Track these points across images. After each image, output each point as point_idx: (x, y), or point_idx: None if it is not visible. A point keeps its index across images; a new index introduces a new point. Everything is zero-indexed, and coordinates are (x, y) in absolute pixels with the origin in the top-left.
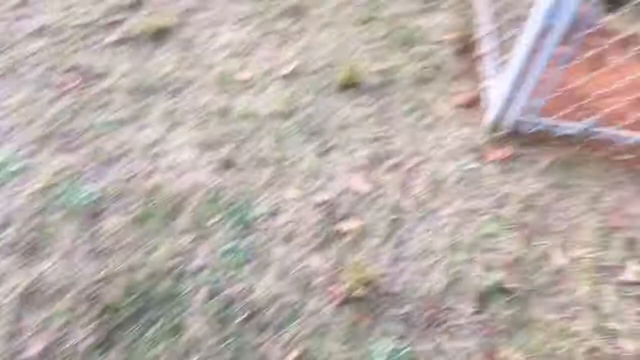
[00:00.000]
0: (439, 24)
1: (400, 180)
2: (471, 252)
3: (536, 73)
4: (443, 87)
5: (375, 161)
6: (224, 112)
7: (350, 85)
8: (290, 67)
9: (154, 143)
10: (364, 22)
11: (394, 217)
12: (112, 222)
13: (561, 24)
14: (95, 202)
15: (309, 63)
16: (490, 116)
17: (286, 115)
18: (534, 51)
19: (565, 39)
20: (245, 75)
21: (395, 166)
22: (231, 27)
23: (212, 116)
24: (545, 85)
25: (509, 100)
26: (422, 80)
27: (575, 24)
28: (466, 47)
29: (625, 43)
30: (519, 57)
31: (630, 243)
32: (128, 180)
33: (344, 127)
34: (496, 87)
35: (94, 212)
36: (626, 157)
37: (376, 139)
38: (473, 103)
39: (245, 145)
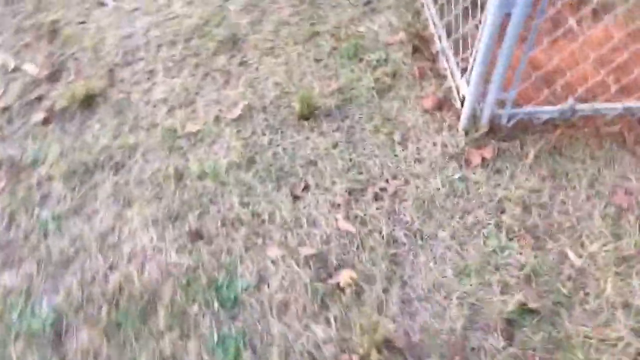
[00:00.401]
0: (386, 26)
1: (387, 209)
2: (482, 275)
3: (503, 63)
4: (406, 94)
5: (355, 193)
6: (179, 176)
7: (308, 114)
8: (240, 107)
9: (108, 231)
10: (308, 40)
11: (391, 253)
12: (80, 340)
13: (519, 11)
14: (56, 320)
15: (259, 98)
16: (463, 117)
17: (248, 163)
18: (495, 42)
19: (527, 23)
20: (194, 127)
21: (378, 194)
22: (166, 76)
23: (167, 184)
24: (514, 73)
25: (480, 97)
26: (382, 91)
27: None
28: (420, 45)
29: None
30: (481, 52)
31: None
32: (88, 283)
33: (313, 162)
34: (462, 85)
35: (58, 333)
36: (613, 128)
37: (350, 168)
38: (442, 104)
39: (211, 210)
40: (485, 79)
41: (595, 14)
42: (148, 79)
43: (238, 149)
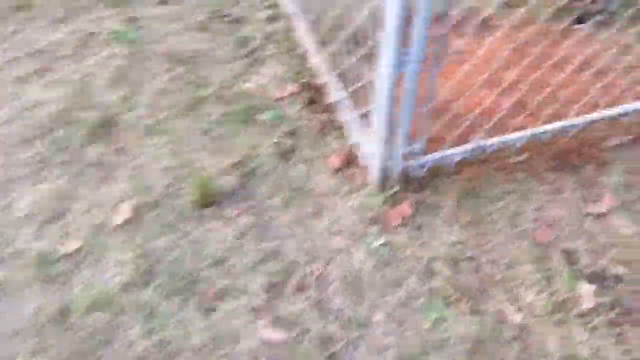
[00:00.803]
0: (273, 78)
1: (314, 300)
2: (427, 355)
3: (404, 120)
4: (310, 154)
5: (276, 289)
6: (62, 315)
7: (208, 200)
8: (126, 208)
9: None
10: (193, 108)
11: (328, 355)
12: None
13: (412, 69)
14: None
15: (147, 191)
16: (373, 175)
17: (145, 278)
18: (394, 100)
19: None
20: (72, 245)
21: (301, 284)
22: (28, 184)
23: (48, 328)
24: (420, 120)
25: (386, 151)
26: (285, 155)
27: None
28: (314, 96)
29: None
30: (380, 113)
31: (567, 258)
32: None
33: (222, 260)
34: (366, 140)
35: None
36: (521, 157)
37: (265, 259)
38: (350, 160)
39: (108, 350)
40: (389, 135)
41: (484, 31)
42: (6, 190)
43: (131, 263)
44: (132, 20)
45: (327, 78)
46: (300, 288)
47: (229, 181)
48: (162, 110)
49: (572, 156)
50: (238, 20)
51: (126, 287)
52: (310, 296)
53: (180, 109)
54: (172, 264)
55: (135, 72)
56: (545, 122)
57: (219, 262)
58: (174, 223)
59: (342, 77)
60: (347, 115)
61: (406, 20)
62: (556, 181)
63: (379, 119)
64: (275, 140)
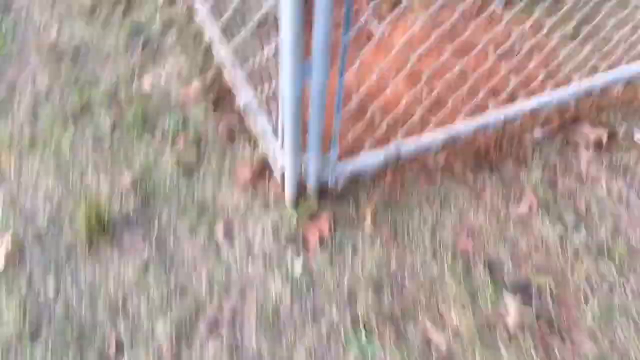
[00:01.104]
0: (174, 75)
1: (228, 343)
2: None
3: (314, 130)
4: (218, 166)
5: (185, 333)
6: None
7: (101, 229)
8: (4, 246)
9: None
10: (79, 116)
11: None
12: None
13: (317, 79)
14: None
15: (28, 223)
16: (287, 190)
17: (32, 334)
18: (301, 110)
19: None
20: None
21: (213, 325)
22: None
23: None
24: (332, 128)
25: (298, 162)
26: (189, 169)
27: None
28: (221, 97)
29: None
30: (289, 124)
31: (490, 268)
32: None
33: (122, 303)
34: (278, 152)
35: None
36: (439, 159)
37: (171, 296)
38: (261, 172)
39: None
40: (298, 144)
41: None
42: None
43: (14, 317)
44: (5, 7)
45: (234, 75)
46: (212, 329)
47: (125, 204)
48: (42, 120)
49: (491, 153)
50: (131, 3)
51: (9, 347)
52: (224, 338)
53: (65, 118)
54: (63, 314)
55: (10, 73)
56: (465, 117)
57: (118, 305)
58: (62, 262)
59: (252, 75)
60: (256, 120)
61: (307, 24)
62: (476, 182)
63: (287, 130)
64: (178, 151)
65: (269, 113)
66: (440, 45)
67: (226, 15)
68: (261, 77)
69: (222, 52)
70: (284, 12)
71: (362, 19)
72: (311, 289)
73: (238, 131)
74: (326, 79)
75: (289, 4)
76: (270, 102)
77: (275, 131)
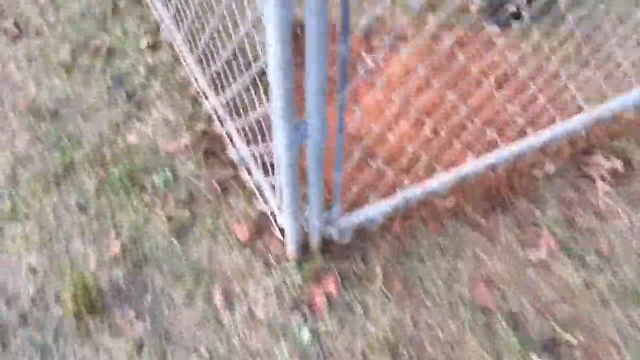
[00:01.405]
0: (162, 126)
1: None
2: None
3: (315, 192)
4: (213, 225)
5: None
6: None
7: (90, 305)
8: None
9: None
10: (62, 178)
11: None
12: None
13: (315, 142)
14: None
15: (10, 303)
16: (289, 249)
17: None
18: (298, 171)
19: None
20: None
21: None
22: None
23: None
24: (332, 179)
25: (300, 221)
26: (183, 231)
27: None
28: (212, 147)
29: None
30: (286, 186)
31: (514, 323)
32: None
33: None
34: (276, 210)
35: None
36: (449, 202)
37: None
38: (260, 229)
39: None
40: (300, 201)
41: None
42: None
43: None
44: None
45: (224, 126)
46: None
47: (115, 275)
48: (23, 186)
49: (503, 192)
50: (111, 53)
51: None
52: None
53: (47, 182)
54: None
55: None
56: (473, 156)
57: None
58: (50, 345)
59: (243, 126)
60: (252, 174)
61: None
62: (490, 225)
63: (285, 193)
64: (169, 212)
65: (265, 168)
66: (439, 78)
67: (214, 68)
68: (254, 131)
69: (211, 102)
70: (273, 78)
71: (361, 71)
72: (322, 357)
73: (233, 184)
74: (325, 137)
75: (278, 73)
76: (265, 157)
77: (272, 187)
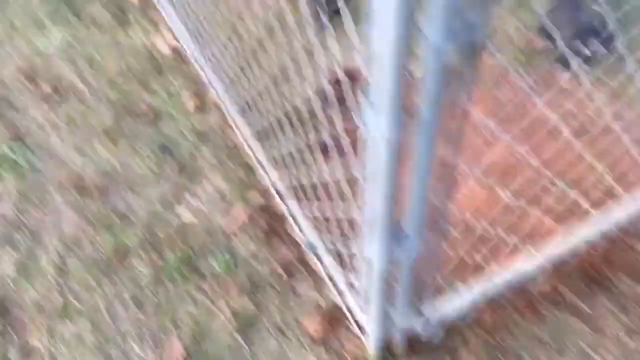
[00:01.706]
0: (216, 199)
1: None
2: None
3: (404, 294)
4: (280, 318)
5: None
6: None
7: None
8: None
9: None
10: (115, 266)
11: None
12: None
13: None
14: None
15: None
16: (371, 350)
17: None
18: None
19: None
20: None
21: None
22: None
23: None
24: (428, 265)
25: (384, 322)
26: (245, 328)
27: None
28: (272, 222)
29: None
30: (373, 287)
31: None
32: None
33: None
34: (352, 301)
35: None
36: (545, 287)
37: None
38: (332, 321)
39: None
40: (387, 306)
41: None
42: None
43: None
44: (19, 137)
45: (286, 203)
46: None
47: None
48: (73, 277)
49: (602, 268)
50: (157, 115)
51: None
52: None
53: (99, 270)
54: None
55: (30, 217)
56: (566, 227)
57: None
58: None
59: (314, 214)
60: (321, 260)
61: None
62: (592, 310)
63: (372, 299)
64: (233, 306)
65: (339, 258)
66: (511, 127)
67: (276, 152)
68: (328, 221)
69: (272, 178)
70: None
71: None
72: None
73: (297, 263)
74: (420, 247)
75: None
76: (339, 246)
77: (350, 285)
